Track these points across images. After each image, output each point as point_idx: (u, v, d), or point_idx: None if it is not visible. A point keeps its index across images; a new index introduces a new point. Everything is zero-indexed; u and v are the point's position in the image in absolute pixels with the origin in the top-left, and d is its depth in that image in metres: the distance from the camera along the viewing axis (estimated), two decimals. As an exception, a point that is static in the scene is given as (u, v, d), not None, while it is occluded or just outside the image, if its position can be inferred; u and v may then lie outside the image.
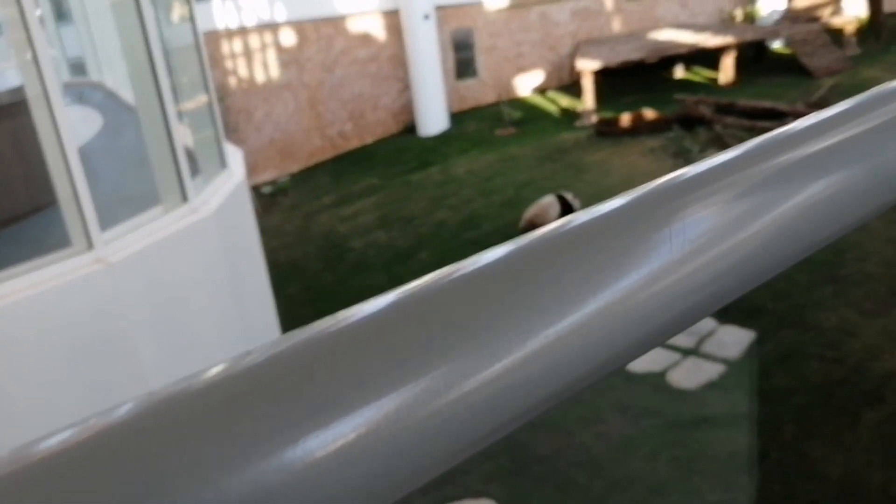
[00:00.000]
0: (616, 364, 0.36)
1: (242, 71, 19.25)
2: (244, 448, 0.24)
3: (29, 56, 3.69)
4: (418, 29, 19.94)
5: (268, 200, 17.56)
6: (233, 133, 18.40)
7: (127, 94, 5.34)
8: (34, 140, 3.90)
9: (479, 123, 20.33)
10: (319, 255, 14.36)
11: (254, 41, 19.23)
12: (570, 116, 19.77)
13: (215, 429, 0.24)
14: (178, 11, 5.73)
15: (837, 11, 22.62)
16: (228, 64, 19.09)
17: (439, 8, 20.50)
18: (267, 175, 19.22)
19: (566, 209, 12.97)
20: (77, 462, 0.23)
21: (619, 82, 20.02)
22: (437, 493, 5.98)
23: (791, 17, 22.32)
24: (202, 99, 5.64)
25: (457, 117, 20.82)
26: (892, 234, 10.85)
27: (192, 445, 0.24)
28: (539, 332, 0.32)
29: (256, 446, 0.24)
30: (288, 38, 19.54)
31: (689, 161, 11.92)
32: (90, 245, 4.03)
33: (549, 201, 13.16)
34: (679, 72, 21.49)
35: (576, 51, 21.77)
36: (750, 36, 21.09)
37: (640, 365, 7.55)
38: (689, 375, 7.28)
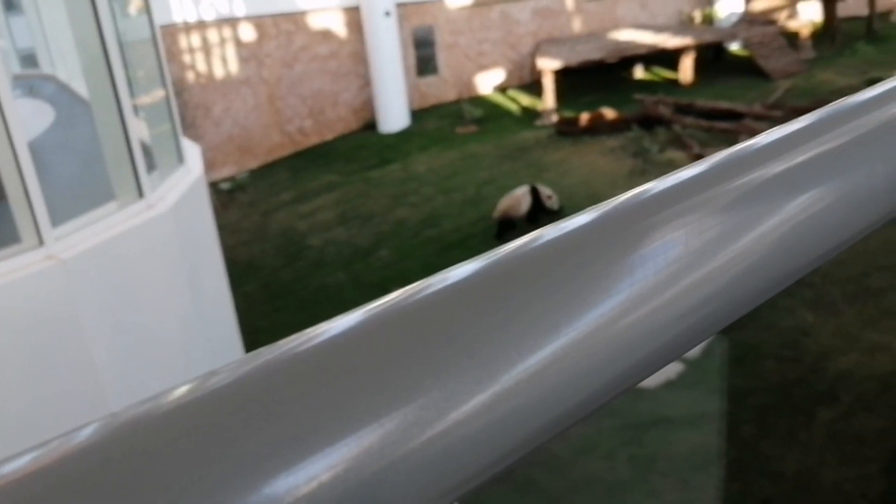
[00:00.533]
0: (606, 397, 0.33)
1: (200, 65, 19.00)
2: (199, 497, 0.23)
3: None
4: (379, 26, 19.86)
5: (226, 197, 17.36)
6: (190, 128, 18.14)
7: (80, 88, 5.23)
8: (-18, 133, 3.79)
9: (439, 121, 20.34)
10: (278, 252, 14.23)
11: (212, 36, 18.99)
12: (530, 115, 19.85)
13: (172, 465, 0.23)
14: (133, 3, 5.62)
15: (793, 15, 23.03)
16: (186, 58, 18.82)
17: (400, 5, 20.44)
18: (225, 171, 18.99)
19: (537, 202, 13.11)
20: (35, 490, 0.22)
21: (579, 82, 20.15)
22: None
23: (748, 19, 22.67)
24: (159, 93, 5.54)
25: (417, 115, 20.79)
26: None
27: (145, 479, 0.23)
28: (517, 363, 0.30)
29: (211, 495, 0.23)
30: (247, 33, 19.33)
31: (648, 161, 11.99)
32: (40, 241, 3.93)
33: (521, 192, 13.19)
34: (638, 72, 21.70)
35: (536, 50, 21.87)
36: (708, 38, 21.37)
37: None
38: (648, 374, 7.32)
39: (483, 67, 22.32)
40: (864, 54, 20.55)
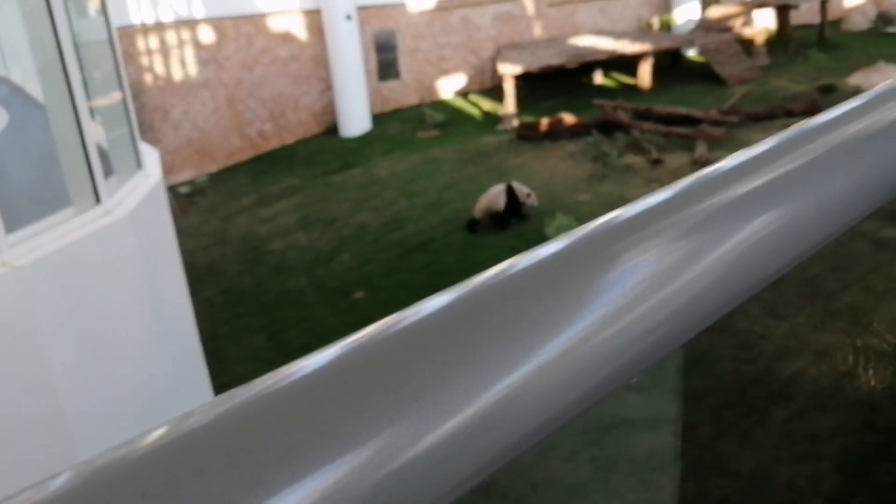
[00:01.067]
0: (568, 416, 0.34)
1: (159, 68, 18.77)
2: None
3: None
4: (340, 29, 19.80)
5: (185, 201, 17.17)
6: (148, 131, 17.90)
7: (35, 90, 5.12)
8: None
9: (401, 125, 20.33)
10: (238, 257, 14.11)
11: (171, 37, 18.78)
12: (492, 120, 19.93)
13: None
14: (89, 4, 5.52)
15: (748, 22, 23.44)
16: (144, 60, 18.58)
17: (361, 8, 20.39)
18: (184, 175, 18.78)
19: (512, 200, 13.18)
20: None
21: (539, 87, 20.29)
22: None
23: (705, 26, 23.00)
24: (116, 96, 5.44)
25: (379, 119, 20.76)
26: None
27: None
28: (489, 387, 0.31)
29: None
30: (206, 35, 19.15)
31: (607, 165, 12.10)
32: (-6, 248, 3.84)
33: (497, 190, 13.33)
34: (598, 77, 21.90)
35: (497, 55, 21.97)
36: (666, 44, 21.65)
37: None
38: (608, 377, 7.41)
39: (444, 72, 22.36)
40: (817, 61, 20.97)
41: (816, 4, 23.46)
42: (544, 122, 17.67)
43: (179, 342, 5.20)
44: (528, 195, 13.40)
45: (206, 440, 0.25)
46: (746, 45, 21.86)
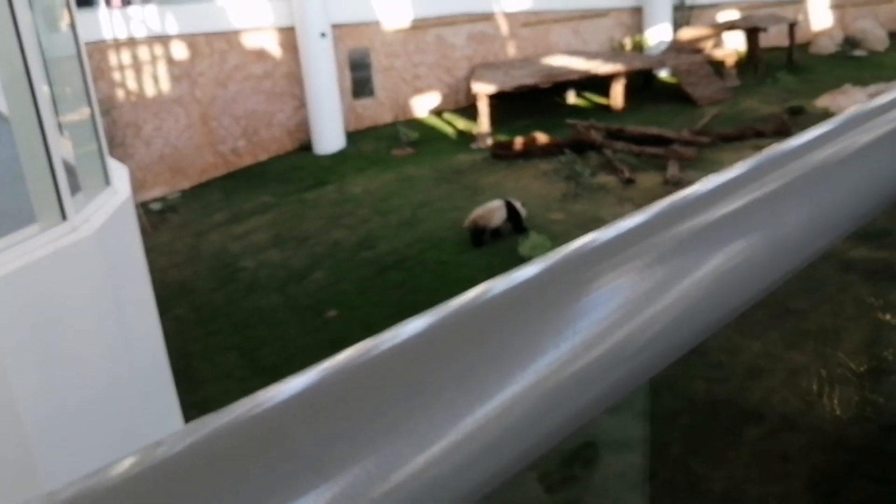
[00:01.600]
0: (549, 443, 0.34)
1: (131, 83, 18.66)
2: None
3: None
4: (314, 46, 19.82)
5: (157, 217, 17.03)
6: (120, 147, 17.76)
7: (0, 104, 5.04)
8: None
9: (375, 143, 20.34)
10: (210, 274, 14.00)
11: (143, 53, 18.69)
12: (466, 138, 20.01)
13: None
14: (57, 17, 5.44)
15: (719, 44, 23.78)
16: (116, 76, 18.47)
17: (336, 26, 20.44)
18: (156, 191, 18.65)
19: (513, 215, 13.36)
20: None
21: (513, 106, 20.39)
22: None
23: (676, 48, 23.29)
24: (84, 111, 5.35)
25: (353, 136, 20.77)
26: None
27: None
28: (462, 418, 0.30)
29: None
30: (180, 51, 19.08)
31: (580, 185, 12.11)
32: (-43, 265, 3.76)
33: (496, 205, 13.51)
34: (571, 97, 22.06)
35: (471, 74, 22.08)
36: (638, 65, 21.87)
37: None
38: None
39: (419, 90, 22.44)
40: (785, 83, 21.31)
41: (785, 28, 23.89)
42: (518, 140, 17.75)
43: (147, 362, 5.11)
44: (523, 205, 13.64)
45: (177, 470, 0.24)
46: (717, 66, 22.16)
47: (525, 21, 23.63)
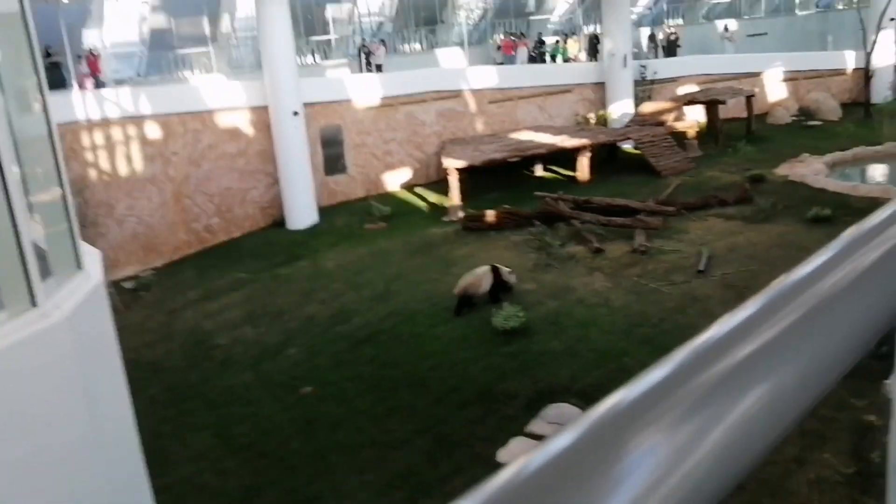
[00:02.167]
0: None
1: (104, 163, 18.61)
2: None
3: None
4: (287, 125, 19.98)
5: (129, 296, 16.78)
6: (91, 226, 17.61)
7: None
8: None
9: (348, 218, 20.38)
10: (183, 352, 13.74)
11: (117, 133, 18.70)
12: (437, 212, 20.13)
13: None
14: (30, 100, 5.38)
15: (680, 117, 24.35)
16: (89, 156, 18.42)
17: (308, 105, 20.67)
18: (129, 270, 18.42)
19: (498, 280, 13.42)
20: None
21: (483, 179, 20.60)
22: None
23: (639, 121, 23.81)
24: (55, 192, 5.25)
25: (326, 211, 20.81)
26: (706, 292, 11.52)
27: None
28: None
29: None
30: (153, 131, 19.12)
31: (551, 255, 12.14)
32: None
33: (483, 271, 13.57)
34: (539, 170, 22.38)
35: (442, 149, 22.35)
36: (603, 138, 22.31)
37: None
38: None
39: (390, 166, 22.64)
40: (745, 153, 21.80)
41: (742, 100, 24.58)
42: (489, 213, 17.89)
43: (118, 448, 4.93)
44: (511, 272, 13.71)
45: None
46: (679, 138, 22.65)
47: (492, 98, 24.12)
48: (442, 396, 10.58)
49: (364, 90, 22.15)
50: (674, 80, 26.61)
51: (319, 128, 21.30)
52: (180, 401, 11.84)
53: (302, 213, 20.24)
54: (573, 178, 21.33)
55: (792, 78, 27.98)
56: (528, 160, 21.83)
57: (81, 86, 20.27)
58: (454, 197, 19.76)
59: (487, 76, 24.43)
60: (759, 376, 0.43)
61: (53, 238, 4.95)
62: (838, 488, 7.45)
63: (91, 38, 23.76)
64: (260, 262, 17.99)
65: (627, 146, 23.36)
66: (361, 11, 29.16)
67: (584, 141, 21.33)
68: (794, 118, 26.51)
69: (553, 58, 29.24)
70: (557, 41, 30.00)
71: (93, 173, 18.39)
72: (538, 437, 8.77)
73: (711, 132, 23.68)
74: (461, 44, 29.27)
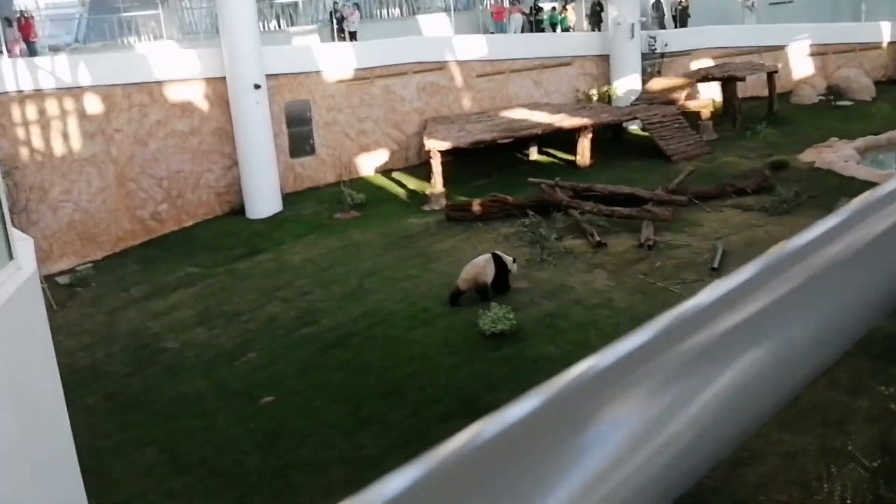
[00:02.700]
0: None
1: (37, 141, 18.45)
2: None
3: None
4: (248, 99, 19.89)
5: (64, 293, 16.72)
6: (22, 213, 17.46)
7: None
8: None
9: (317, 205, 20.42)
10: (126, 356, 13.72)
11: (52, 107, 18.53)
12: (417, 199, 20.19)
13: None
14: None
15: (693, 95, 24.35)
16: (20, 132, 18.26)
17: (272, 77, 20.61)
18: (64, 263, 18.32)
19: (501, 268, 13.70)
20: None
21: (470, 163, 20.63)
22: None
23: (647, 99, 23.81)
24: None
25: (291, 198, 20.84)
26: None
27: None
28: None
29: None
30: (93, 104, 18.96)
31: (545, 249, 12.24)
32: None
33: (484, 260, 13.84)
34: (533, 153, 22.40)
35: (423, 129, 22.32)
36: (606, 117, 22.36)
37: None
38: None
39: (365, 147, 22.66)
40: (766, 136, 21.80)
41: (763, 77, 24.63)
42: (476, 201, 17.95)
43: (54, 464, 4.93)
44: (514, 260, 13.95)
45: None
46: (692, 118, 22.67)
47: (481, 71, 24.08)
48: (421, 407, 10.65)
49: (336, 61, 22.12)
50: (687, 54, 26.60)
51: (284, 103, 21.25)
52: (122, 411, 11.83)
53: (264, 200, 20.20)
54: (572, 163, 21.40)
55: (820, 52, 27.97)
56: (522, 142, 21.86)
57: (11, 52, 20.06)
58: (437, 183, 19.80)
59: (476, 46, 24.39)
60: (743, 349, 0.45)
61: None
62: (862, 483, 7.54)
63: (22, -3, 23.54)
64: (215, 256, 17.97)
65: (634, 127, 23.43)
66: (333, -30, 29.01)
67: (584, 121, 21.40)
68: (821, 97, 26.53)
69: (553, 27, 29.11)
70: (555, 7, 29.92)
71: (24, 152, 18.23)
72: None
73: (728, 112, 23.71)
74: (446, 9, 29.10)
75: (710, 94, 24.59)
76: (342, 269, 16.03)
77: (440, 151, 19.79)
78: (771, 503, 7.35)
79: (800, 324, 0.48)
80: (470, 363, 11.64)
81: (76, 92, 18.78)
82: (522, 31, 28.16)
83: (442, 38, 25.71)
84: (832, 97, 26.30)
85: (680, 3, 29.51)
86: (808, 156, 19.89)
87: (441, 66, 23.52)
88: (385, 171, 22.67)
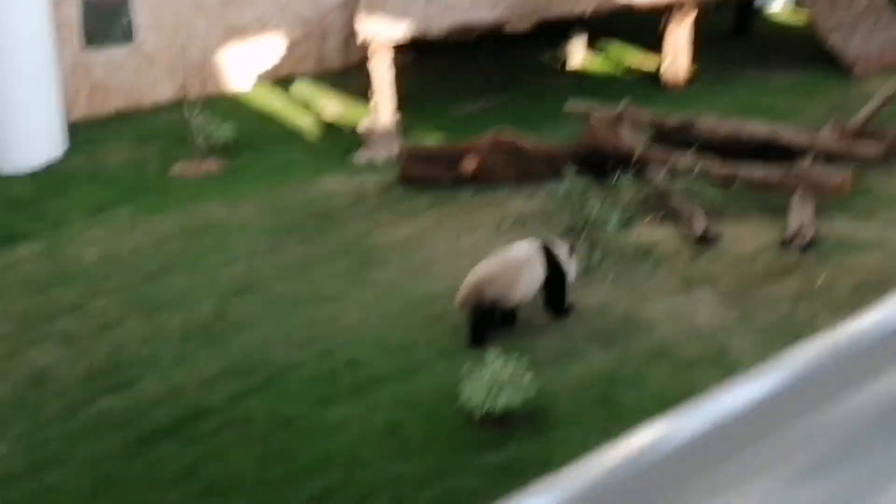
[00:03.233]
0: None
1: None
2: None
3: None
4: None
5: None
6: None
7: None
8: None
9: (136, 147, 20.51)
10: None
11: None
12: (342, 141, 20.22)
13: None
14: None
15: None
16: None
17: None
18: None
19: (553, 271, 13.61)
20: None
21: (450, 70, 20.50)
22: None
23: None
24: None
25: (85, 132, 20.94)
26: None
27: None
28: None
29: None
30: None
31: (599, 247, 12.05)
32: None
33: (524, 251, 13.70)
34: (577, 54, 22.35)
35: (357, 3, 22.15)
36: (722, -14, 22.40)
37: None
38: None
39: (237, 33, 22.76)
40: None
41: None
42: (462, 148, 17.76)
43: None
44: (572, 251, 13.96)
45: None
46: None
47: None
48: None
49: None
50: None
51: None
52: None
53: (26, 139, 20.11)
54: (654, 77, 21.62)
55: None
56: (554, 30, 21.79)
57: None
58: (382, 107, 19.70)
59: None
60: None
61: None
62: None
63: None
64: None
65: (777, 5, 23.49)
66: None
67: (678, -8, 21.41)
68: None
69: None
70: None
71: None
72: None
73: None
74: None
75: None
76: (184, 278, 15.89)
77: (390, 45, 19.75)
78: None
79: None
80: (442, 477, 11.59)
81: None
82: None
83: None
84: None
85: None
86: None
87: None
88: (279, 82, 22.85)
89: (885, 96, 18.91)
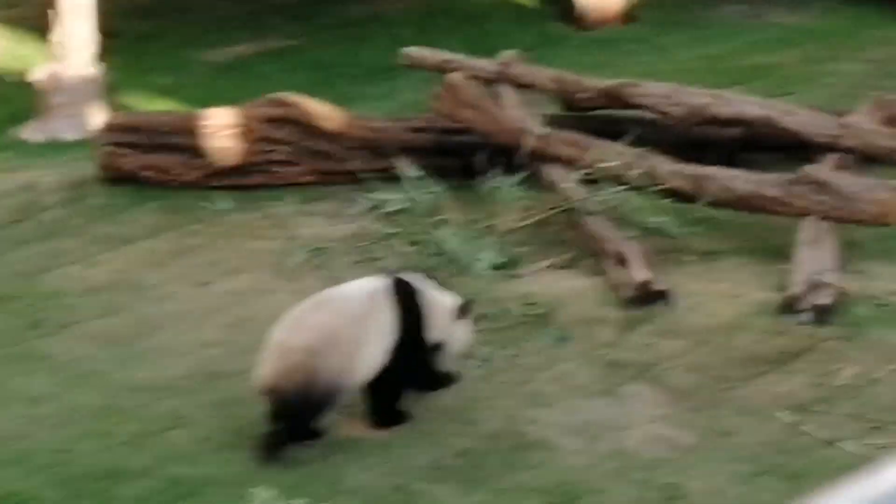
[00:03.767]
0: None
1: None
2: None
3: None
4: None
5: None
6: None
7: None
8: None
9: None
10: None
11: None
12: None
13: None
14: None
15: None
16: None
17: None
18: None
19: (410, 323, 13.22)
20: None
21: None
22: None
23: None
24: None
25: None
26: None
27: None
28: None
29: None
30: None
31: (472, 304, 12.29)
32: None
33: (357, 295, 13.33)
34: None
35: None
36: None
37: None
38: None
39: None
40: None
41: None
42: (214, 122, 17.74)
43: None
44: (466, 307, 13.78)
45: None
46: None
47: None
48: None
49: None
50: None
51: None
52: None
53: None
54: (565, 6, 21.92)
55: None
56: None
57: None
58: (72, 45, 19.70)
59: None
60: None
61: None
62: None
63: None
64: None
65: None
66: None
67: None
68: None
69: None
70: None
71: None
72: None
73: None
74: None
75: None
76: None
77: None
78: None
79: None
80: None
81: None
82: None
83: None
84: None
85: None
86: None
87: None
88: None
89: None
